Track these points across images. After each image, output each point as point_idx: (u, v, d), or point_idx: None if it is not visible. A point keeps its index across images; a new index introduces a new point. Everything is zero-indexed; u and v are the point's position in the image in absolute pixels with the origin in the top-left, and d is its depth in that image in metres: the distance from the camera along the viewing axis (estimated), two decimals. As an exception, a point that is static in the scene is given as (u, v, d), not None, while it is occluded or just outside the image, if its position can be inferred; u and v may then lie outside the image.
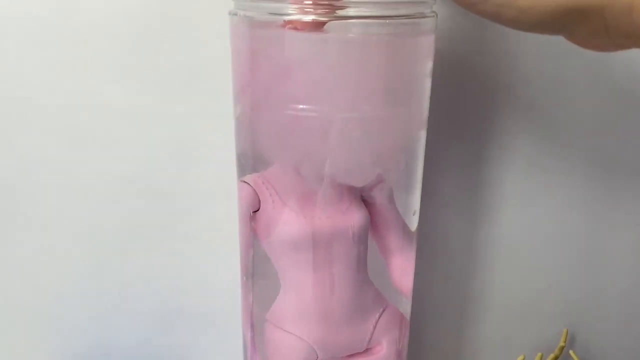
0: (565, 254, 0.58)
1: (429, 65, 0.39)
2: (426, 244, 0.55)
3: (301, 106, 0.35)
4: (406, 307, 0.46)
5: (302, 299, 0.40)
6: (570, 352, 0.55)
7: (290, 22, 0.34)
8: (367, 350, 0.43)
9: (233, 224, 0.45)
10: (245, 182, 0.40)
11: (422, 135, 0.42)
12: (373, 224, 0.42)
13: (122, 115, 0.51)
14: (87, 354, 0.54)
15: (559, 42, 0.37)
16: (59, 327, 0.59)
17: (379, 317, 0.42)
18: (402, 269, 0.44)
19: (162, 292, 0.57)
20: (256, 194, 0.39)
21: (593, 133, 0.54)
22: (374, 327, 0.42)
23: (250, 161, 0.40)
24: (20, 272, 0.56)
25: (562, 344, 0.56)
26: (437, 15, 0.38)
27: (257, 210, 0.40)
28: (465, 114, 0.54)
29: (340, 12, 0.35)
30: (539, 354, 0.55)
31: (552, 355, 0.55)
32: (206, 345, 0.59)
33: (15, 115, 0.51)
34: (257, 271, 0.42)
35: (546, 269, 0.59)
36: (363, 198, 0.41)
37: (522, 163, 0.55)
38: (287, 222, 0.39)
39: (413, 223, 0.44)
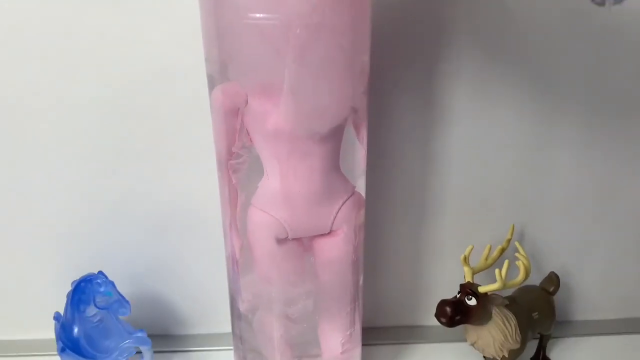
0: (513, 162, 0.66)
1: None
2: (384, 159, 0.63)
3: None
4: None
5: (278, 184, 0.47)
6: (516, 243, 0.62)
7: None
8: (330, 233, 0.50)
9: (210, 141, 0.51)
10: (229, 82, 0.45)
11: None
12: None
13: (107, 41, 0.57)
14: (87, 265, 0.61)
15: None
16: (61, 243, 0.66)
17: (343, 204, 0.49)
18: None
19: (150, 207, 0.64)
20: (242, 89, 0.44)
21: (537, 58, 0.61)
22: (337, 213, 0.49)
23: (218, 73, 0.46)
24: (23, 193, 0.63)
25: (509, 237, 0.63)
26: None
27: (244, 106, 0.45)
28: (414, 45, 0.59)
29: None
30: (488, 246, 0.62)
31: (499, 247, 0.62)
32: (192, 253, 0.66)
33: (13, 49, 0.57)
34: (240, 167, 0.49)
35: (496, 176, 0.66)
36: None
37: (470, 84, 0.61)
38: (268, 116, 0.44)
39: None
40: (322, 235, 0.50)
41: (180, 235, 0.65)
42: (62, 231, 0.65)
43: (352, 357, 0.57)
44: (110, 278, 0.58)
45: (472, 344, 0.60)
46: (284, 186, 0.47)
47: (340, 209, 0.49)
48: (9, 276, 0.68)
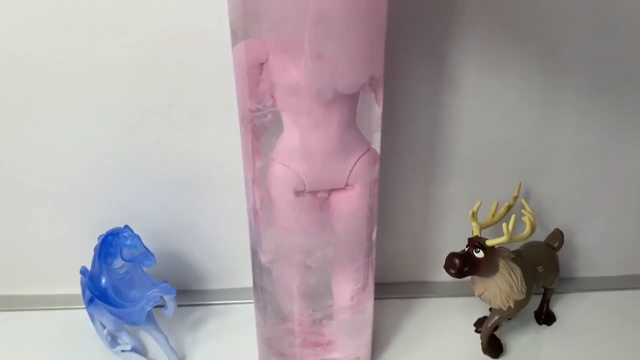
0: (520, 122, 0.68)
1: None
2: (397, 120, 0.65)
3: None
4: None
5: (298, 139, 0.49)
6: (522, 200, 0.65)
7: None
8: (345, 187, 0.53)
9: (231, 101, 0.53)
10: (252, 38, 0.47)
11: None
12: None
13: (127, 5, 0.59)
14: (112, 219, 0.64)
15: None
16: (85, 202, 0.69)
17: (358, 159, 0.52)
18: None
19: (172, 164, 0.67)
20: (264, 45, 0.46)
21: (543, 20, 0.62)
22: (352, 167, 0.52)
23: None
24: (48, 153, 0.66)
25: (515, 194, 0.66)
26: None
27: (265, 62, 0.47)
28: (424, 8, 0.61)
29: None
30: (495, 203, 0.65)
31: (506, 204, 0.65)
32: (212, 208, 0.69)
33: (38, 15, 0.59)
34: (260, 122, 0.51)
35: (503, 136, 0.68)
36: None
37: (478, 47, 0.62)
38: (289, 73, 0.46)
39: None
40: (338, 189, 0.52)
41: (202, 192, 0.68)
42: (87, 190, 0.68)
43: (365, 310, 0.60)
44: (134, 234, 0.61)
45: (480, 296, 0.63)
46: (302, 141, 0.49)
47: (355, 163, 0.51)
48: (37, 234, 0.71)
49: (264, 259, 0.56)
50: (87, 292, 0.61)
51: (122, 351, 0.64)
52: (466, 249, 0.60)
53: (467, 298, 0.73)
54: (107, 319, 0.62)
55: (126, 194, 0.68)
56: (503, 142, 0.68)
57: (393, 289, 0.75)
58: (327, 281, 0.58)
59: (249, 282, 0.61)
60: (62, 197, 0.68)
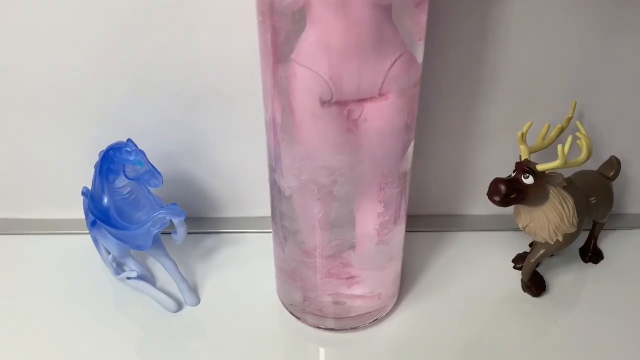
0: (575, 40, 0.59)
1: None
2: (439, 29, 0.56)
3: None
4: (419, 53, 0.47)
5: (324, 35, 0.41)
6: (577, 122, 0.57)
7: None
8: (379, 96, 0.45)
9: None
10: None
11: None
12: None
13: None
14: (119, 136, 0.57)
15: None
16: (88, 118, 0.62)
17: (394, 62, 0.44)
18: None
19: (183, 74, 0.59)
20: None
21: None
22: (388, 71, 0.44)
23: None
24: (47, 64, 0.59)
25: (570, 115, 0.58)
26: None
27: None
28: None
29: None
30: (546, 125, 0.57)
31: (559, 126, 0.57)
32: (227, 126, 0.62)
33: None
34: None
35: (556, 53, 0.59)
36: None
37: None
38: None
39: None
40: (371, 99, 0.45)
41: (215, 106, 0.61)
42: (89, 105, 0.62)
43: (393, 243, 0.54)
44: (140, 153, 0.54)
45: (524, 228, 0.56)
46: (329, 37, 0.41)
47: (391, 67, 0.44)
48: (37, 155, 0.65)
49: (283, 182, 0.50)
50: (89, 214, 0.56)
51: (128, 278, 0.59)
52: (513, 174, 0.53)
53: (504, 232, 0.67)
54: (111, 244, 0.56)
55: (131, 109, 0.62)
56: (556, 59, 0.60)
57: (424, 221, 0.68)
58: (353, 209, 0.51)
59: (265, 211, 0.55)
60: (62, 112, 0.62)
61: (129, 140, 0.53)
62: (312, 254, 0.53)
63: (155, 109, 0.61)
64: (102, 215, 0.54)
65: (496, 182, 0.53)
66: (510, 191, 0.52)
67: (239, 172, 0.66)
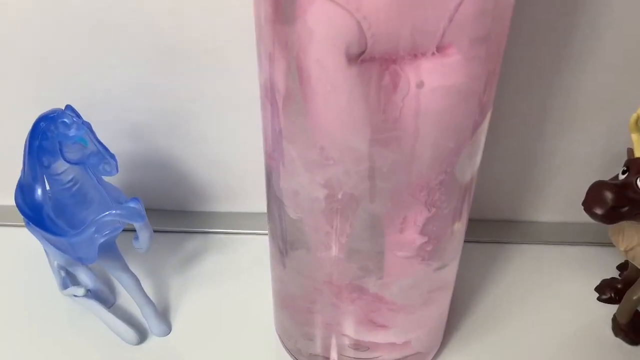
0: None
1: None
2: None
3: None
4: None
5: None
6: None
7: None
8: (438, 52, 0.28)
9: None
10: None
11: None
12: None
13: None
14: (71, 101, 0.42)
15: None
16: (34, 78, 0.47)
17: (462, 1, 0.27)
18: None
19: (158, 21, 0.43)
20: None
21: None
22: (453, 13, 0.27)
23: None
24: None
25: (699, 93, 0.41)
26: None
27: None
28: None
29: None
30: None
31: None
32: (217, 90, 0.46)
33: None
34: None
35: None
36: None
37: None
38: None
39: None
40: (424, 54, 0.28)
41: (199, 69, 0.45)
42: (31, 58, 0.46)
43: (446, 269, 0.38)
44: (102, 129, 0.38)
45: (626, 251, 0.40)
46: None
47: (459, 6, 0.27)
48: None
49: (283, 183, 0.34)
50: (19, 209, 0.40)
51: (75, 296, 0.44)
52: (623, 177, 0.37)
53: (586, 247, 0.50)
54: (52, 250, 0.41)
55: (88, 64, 0.46)
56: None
57: (477, 229, 0.52)
58: (383, 220, 0.35)
59: (265, 206, 0.40)
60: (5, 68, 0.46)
61: (67, 107, 0.37)
62: (323, 279, 0.37)
63: (119, 65, 0.45)
64: (33, 213, 0.39)
65: (600, 187, 0.36)
66: (621, 201, 0.35)
67: (233, 154, 0.50)
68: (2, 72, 0.47)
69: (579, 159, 0.48)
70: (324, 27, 0.27)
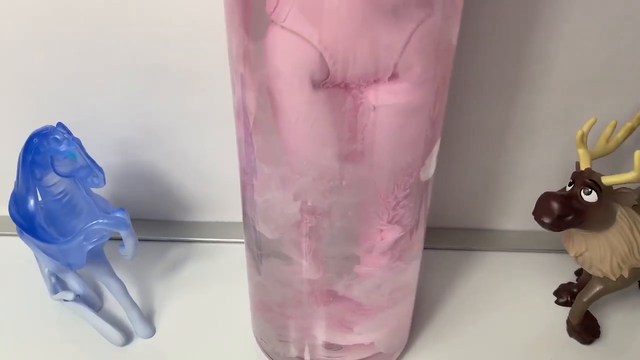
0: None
1: None
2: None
3: None
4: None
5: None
6: (652, 120, 0.43)
7: None
8: (394, 77, 0.32)
9: None
10: None
11: None
12: None
13: None
14: (60, 119, 0.45)
15: None
16: (19, 94, 0.50)
17: (417, 27, 0.30)
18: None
19: (144, 42, 0.46)
20: None
21: None
22: (408, 40, 0.31)
23: None
24: None
25: (642, 112, 0.44)
26: None
27: None
28: None
29: None
30: (612, 122, 0.43)
31: (628, 125, 0.43)
32: (200, 108, 0.49)
33: None
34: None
35: (625, 28, 0.45)
36: None
37: None
38: None
39: None
40: (382, 81, 0.32)
41: (186, 84, 0.48)
42: (22, 78, 0.49)
43: (409, 266, 0.41)
44: (88, 144, 0.41)
45: (576, 256, 0.43)
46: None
47: (413, 33, 0.30)
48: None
49: (257, 193, 0.37)
50: (13, 219, 0.43)
51: (65, 300, 0.46)
52: (569, 188, 0.40)
53: (544, 254, 0.54)
54: (43, 258, 0.44)
55: (77, 84, 0.48)
56: (624, 34, 0.46)
57: (444, 236, 0.55)
58: (352, 229, 0.38)
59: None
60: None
61: (59, 124, 0.40)
62: (295, 285, 0.40)
63: (107, 84, 0.48)
64: (26, 223, 0.42)
65: (547, 198, 0.39)
66: (566, 211, 0.39)
67: (213, 167, 0.53)
68: (6, 107, 0.50)
69: (537, 171, 0.51)
70: (290, 57, 0.30)
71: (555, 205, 0.39)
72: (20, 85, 0.49)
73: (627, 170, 0.39)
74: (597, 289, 0.44)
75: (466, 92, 0.47)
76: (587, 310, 0.46)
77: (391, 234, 0.38)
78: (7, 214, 0.43)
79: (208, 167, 0.53)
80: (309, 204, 0.35)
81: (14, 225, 0.43)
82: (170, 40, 0.46)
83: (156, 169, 0.53)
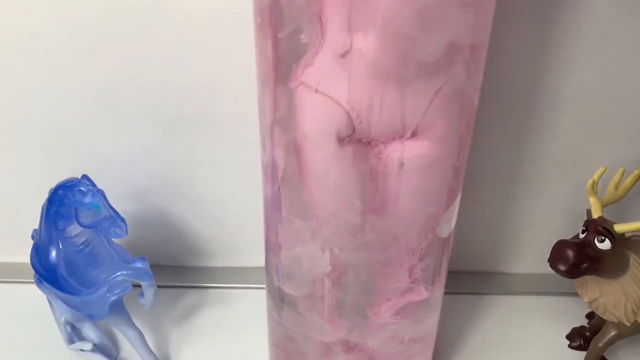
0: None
1: None
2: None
3: None
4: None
5: (347, 47, 0.29)
6: (660, 168, 0.45)
7: None
8: (417, 134, 0.33)
9: None
10: None
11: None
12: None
13: None
14: (80, 169, 0.45)
15: None
16: (43, 145, 0.51)
17: (441, 88, 0.32)
18: None
19: (159, 92, 0.48)
20: None
21: None
22: (432, 100, 0.32)
23: None
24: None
25: (649, 159, 0.46)
26: None
27: None
28: None
29: None
30: (620, 170, 0.45)
31: (636, 172, 0.45)
32: (215, 156, 0.51)
33: None
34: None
35: (629, 80, 0.47)
36: None
37: None
38: None
39: None
40: (403, 136, 0.33)
41: (201, 133, 0.49)
42: (44, 128, 0.50)
43: (428, 323, 0.42)
44: (106, 191, 0.42)
45: (590, 302, 0.44)
46: (355, 52, 0.29)
47: (436, 94, 0.32)
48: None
49: (284, 247, 0.37)
50: (34, 269, 0.43)
51: (82, 350, 0.46)
52: (583, 236, 0.41)
53: (557, 297, 0.54)
54: (62, 307, 0.44)
55: (96, 133, 0.49)
56: (629, 85, 0.47)
57: (456, 280, 0.55)
58: (374, 282, 0.39)
59: (261, 261, 0.43)
60: (10, 135, 0.50)
61: (84, 176, 0.41)
62: (315, 334, 0.40)
63: (126, 134, 0.49)
64: (48, 273, 0.42)
65: (562, 246, 0.40)
66: (581, 259, 0.40)
67: (229, 213, 0.54)
68: (17, 140, 0.50)
69: (546, 216, 0.52)
70: (318, 115, 0.32)
71: (570, 253, 0.40)
72: (39, 134, 0.50)
73: (636, 215, 0.40)
74: (612, 334, 0.44)
75: (478, 141, 0.49)
76: (603, 355, 0.46)
77: (413, 288, 0.38)
78: (21, 260, 0.44)
79: (223, 212, 0.53)
80: (335, 256, 0.35)
81: (27, 273, 0.43)
82: (191, 90, 0.47)
83: (171, 215, 0.54)
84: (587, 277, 0.43)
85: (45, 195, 0.44)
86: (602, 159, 0.47)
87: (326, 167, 0.33)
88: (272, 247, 0.38)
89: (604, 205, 0.43)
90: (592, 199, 0.43)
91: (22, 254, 0.48)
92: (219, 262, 0.57)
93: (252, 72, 0.34)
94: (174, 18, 0.44)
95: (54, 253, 0.42)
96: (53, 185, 0.43)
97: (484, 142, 0.49)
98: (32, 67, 0.47)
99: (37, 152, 0.51)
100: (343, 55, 0.29)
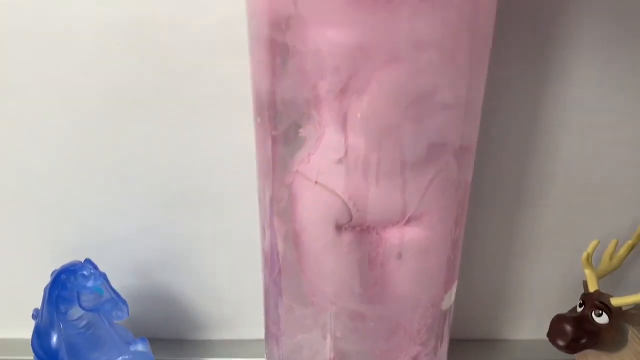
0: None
1: None
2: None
3: None
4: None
5: (343, 141, 0.31)
6: (652, 238, 0.46)
7: None
8: (412, 220, 0.34)
9: (246, 80, 0.36)
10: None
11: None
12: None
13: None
14: (78, 250, 0.46)
15: None
16: (45, 222, 0.52)
17: (435, 177, 0.33)
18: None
19: (164, 172, 0.49)
20: None
21: None
22: (427, 189, 0.33)
23: None
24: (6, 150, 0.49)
25: (641, 229, 0.47)
26: None
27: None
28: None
29: None
30: (614, 241, 0.46)
31: (629, 243, 0.46)
32: (216, 233, 0.51)
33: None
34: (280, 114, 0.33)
35: (618, 153, 0.49)
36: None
37: (589, 47, 0.45)
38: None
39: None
40: (398, 222, 0.34)
41: (202, 211, 0.50)
42: (49, 206, 0.51)
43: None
44: (108, 267, 0.43)
45: (591, 375, 0.44)
46: (352, 145, 0.31)
47: (431, 182, 0.33)
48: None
49: (285, 336, 0.38)
50: (34, 353, 0.44)
51: None
52: (580, 310, 0.41)
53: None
54: (62, 389, 0.44)
55: (99, 213, 0.50)
56: (617, 159, 0.49)
57: (455, 348, 0.56)
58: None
59: (261, 332, 0.43)
60: (15, 212, 0.51)
61: (87, 261, 0.42)
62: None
63: (130, 211, 0.50)
64: (49, 357, 0.42)
65: (560, 321, 0.41)
66: (579, 333, 0.40)
67: (229, 287, 0.54)
68: (19, 218, 0.51)
69: (543, 284, 0.53)
70: (317, 206, 0.33)
71: (568, 328, 0.40)
72: (41, 211, 0.51)
73: (630, 284, 0.41)
74: (615, 406, 0.44)
75: (476, 213, 0.50)
76: None
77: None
78: (19, 336, 0.44)
79: (224, 286, 0.54)
80: (337, 344, 0.36)
81: (26, 350, 0.43)
82: (189, 167, 0.48)
83: (171, 289, 0.54)
84: (587, 351, 0.43)
85: (47, 272, 0.45)
86: (596, 226, 0.48)
87: (324, 254, 0.34)
88: (272, 335, 0.39)
89: (599, 277, 0.44)
90: (587, 271, 0.43)
91: (23, 331, 0.48)
92: (219, 335, 0.57)
93: (250, 154, 0.35)
94: (176, 101, 0.46)
95: (55, 337, 0.42)
96: (56, 261, 0.44)
97: (480, 213, 0.50)
98: (38, 147, 0.48)
99: (41, 230, 0.51)
100: (339, 161, 0.30)
